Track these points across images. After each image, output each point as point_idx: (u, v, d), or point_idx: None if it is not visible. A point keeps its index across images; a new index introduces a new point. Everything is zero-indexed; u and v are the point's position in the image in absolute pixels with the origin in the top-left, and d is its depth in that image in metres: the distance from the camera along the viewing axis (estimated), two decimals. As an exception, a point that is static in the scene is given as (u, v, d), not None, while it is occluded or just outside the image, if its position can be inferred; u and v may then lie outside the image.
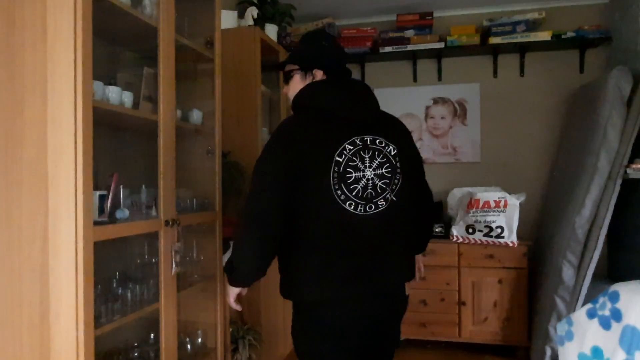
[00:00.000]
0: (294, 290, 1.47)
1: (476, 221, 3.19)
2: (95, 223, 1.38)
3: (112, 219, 1.55)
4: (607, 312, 1.75)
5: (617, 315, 1.70)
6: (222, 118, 2.17)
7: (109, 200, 1.56)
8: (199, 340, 2.13)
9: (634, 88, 2.81)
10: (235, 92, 2.69)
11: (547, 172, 3.54)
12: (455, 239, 3.23)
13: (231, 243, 2.39)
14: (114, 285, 1.69)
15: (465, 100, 3.69)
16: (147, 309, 1.65)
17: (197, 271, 2.11)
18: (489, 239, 3.15)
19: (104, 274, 1.70)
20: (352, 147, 1.42)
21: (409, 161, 1.55)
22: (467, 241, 3.20)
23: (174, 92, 1.77)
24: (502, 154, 3.64)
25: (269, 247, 1.42)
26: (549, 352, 2.81)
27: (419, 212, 1.66)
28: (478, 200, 3.21)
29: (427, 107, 3.76)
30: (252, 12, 2.95)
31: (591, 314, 1.81)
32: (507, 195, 3.17)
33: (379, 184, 1.43)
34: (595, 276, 2.79)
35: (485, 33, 3.48)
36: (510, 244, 3.12)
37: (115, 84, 1.63)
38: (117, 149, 1.96)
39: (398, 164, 1.48)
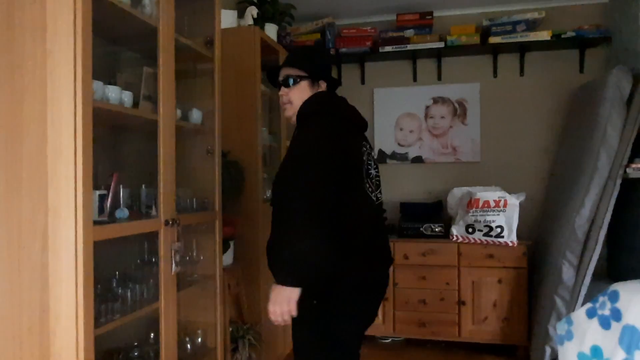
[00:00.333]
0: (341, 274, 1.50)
1: (476, 221, 3.19)
2: (95, 223, 1.38)
3: (112, 219, 1.55)
4: (606, 312, 1.75)
5: (616, 314, 1.70)
6: (222, 118, 2.17)
7: (109, 199, 1.56)
8: (199, 339, 2.13)
9: (633, 88, 2.81)
10: (235, 91, 2.69)
11: (547, 172, 3.55)
12: (455, 238, 3.23)
13: (231, 243, 2.40)
14: (114, 284, 1.69)
15: (465, 100, 3.69)
16: (147, 309, 1.66)
17: (197, 271, 2.11)
18: (489, 239, 3.15)
19: (104, 274, 1.70)
20: (364, 149, 1.67)
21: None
22: (466, 241, 3.20)
23: (173, 92, 1.77)
24: (502, 153, 3.64)
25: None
26: (548, 351, 2.81)
27: None
28: (478, 199, 3.21)
29: (427, 107, 3.76)
30: (252, 11, 2.95)
31: (591, 314, 1.81)
32: (506, 194, 3.17)
33: (377, 180, 1.70)
34: (594, 276, 2.80)
35: (485, 33, 3.48)
36: (510, 244, 3.12)
37: (115, 84, 1.63)
38: (117, 149, 1.96)
39: (375, 164, 1.73)
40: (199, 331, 2.13)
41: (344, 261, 1.49)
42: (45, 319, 1.32)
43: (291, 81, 1.68)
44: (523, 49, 3.50)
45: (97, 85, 1.47)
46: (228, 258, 2.37)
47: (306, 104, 1.64)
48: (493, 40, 3.40)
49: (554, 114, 3.55)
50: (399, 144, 3.80)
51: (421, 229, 3.33)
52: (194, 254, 2.08)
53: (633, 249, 2.83)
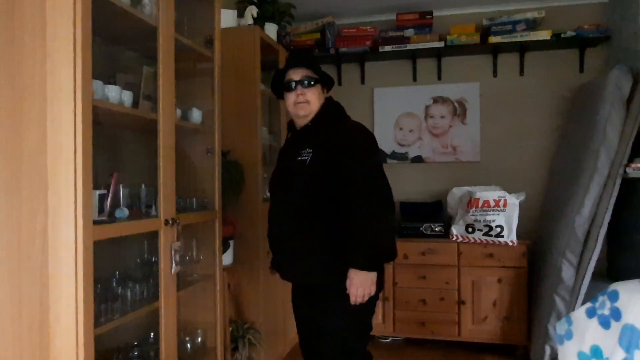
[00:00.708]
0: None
1: (476, 220, 3.19)
2: (95, 222, 1.38)
3: (112, 218, 1.55)
4: (606, 311, 1.75)
5: (616, 314, 1.70)
6: (221, 117, 2.17)
7: (109, 199, 1.56)
8: (199, 339, 2.13)
9: (633, 87, 2.81)
10: (235, 91, 2.68)
11: (547, 171, 3.55)
12: (454, 238, 3.23)
13: (231, 242, 2.40)
14: (114, 284, 1.69)
15: (465, 100, 3.69)
16: (146, 308, 1.66)
17: (197, 270, 2.11)
18: (489, 238, 3.15)
19: (104, 273, 1.70)
20: None
21: None
22: (466, 240, 3.20)
23: (173, 91, 1.77)
24: (501, 153, 3.64)
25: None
26: (548, 351, 2.82)
27: None
28: (478, 199, 3.21)
29: (427, 107, 3.76)
30: (252, 11, 2.95)
31: (591, 313, 1.81)
32: (506, 194, 3.17)
33: None
34: (594, 275, 2.80)
35: (485, 32, 3.48)
36: (510, 243, 3.12)
37: (114, 83, 1.63)
38: (116, 148, 1.96)
39: None
40: (199, 331, 2.14)
41: None
42: (45, 319, 1.32)
43: (311, 82, 1.79)
44: (523, 48, 3.50)
45: (97, 84, 1.47)
46: (228, 258, 2.37)
47: (329, 107, 1.83)
48: (493, 39, 3.40)
49: (554, 113, 3.55)
50: (398, 144, 3.80)
51: (421, 228, 3.33)
52: (194, 254, 2.08)
53: (633, 248, 2.83)
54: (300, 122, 1.85)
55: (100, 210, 1.52)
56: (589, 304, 1.85)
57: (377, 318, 3.31)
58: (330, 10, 3.66)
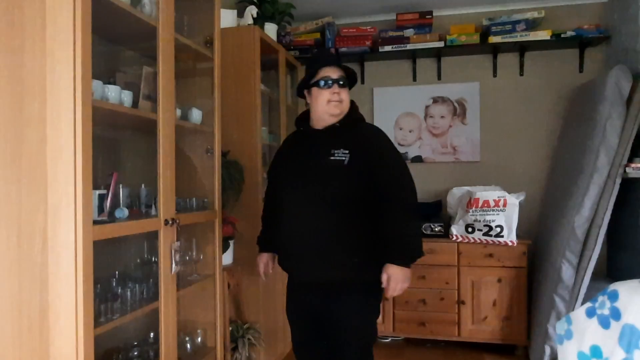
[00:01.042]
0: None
1: (476, 220, 3.19)
2: (95, 222, 1.38)
3: (112, 218, 1.55)
4: (606, 311, 1.75)
5: (616, 314, 1.70)
6: (221, 117, 2.17)
7: (109, 199, 1.56)
8: (199, 339, 2.13)
9: (633, 87, 2.81)
10: (235, 91, 2.68)
11: (547, 171, 3.55)
12: (454, 238, 3.23)
13: (231, 242, 2.40)
14: (114, 284, 1.69)
15: (464, 100, 3.69)
16: (146, 308, 1.65)
17: (197, 270, 2.11)
18: (489, 238, 3.15)
19: (104, 273, 1.70)
20: None
21: None
22: (466, 240, 3.20)
23: (173, 91, 1.77)
24: (501, 153, 3.64)
25: None
26: (548, 351, 2.82)
27: None
28: (477, 199, 3.21)
29: (427, 106, 3.76)
30: (252, 11, 2.94)
31: (590, 313, 1.81)
32: (506, 194, 3.17)
33: None
34: (594, 275, 2.80)
35: (485, 32, 3.48)
36: (510, 243, 3.12)
37: (114, 83, 1.63)
38: (116, 148, 1.96)
39: None
40: (199, 330, 2.14)
41: None
42: (45, 319, 1.32)
43: (346, 82, 1.83)
44: (523, 48, 3.50)
45: (97, 84, 1.47)
46: (228, 257, 2.37)
47: (356, 110, 1.90)
48: (493, 39, 3.40)
49: (554, 113, 3.55)
50: (398, 144, 3.80)
51: (421, 228, 3.33)
52: (194, 254, 2.07)
53: (632, 248, 2.83)
54: (327, 121, 1.83)
55: (100, 210, 1.52)
56: (588, 304, 1.85)
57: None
58: (330, 10, 3.66)
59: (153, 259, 1.85)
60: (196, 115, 2.05)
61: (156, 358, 1.77)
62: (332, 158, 1.75)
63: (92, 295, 1.35)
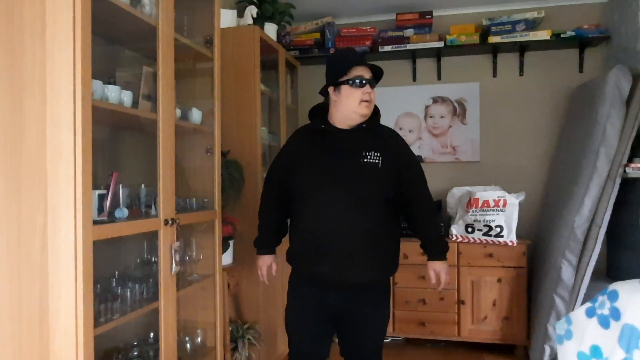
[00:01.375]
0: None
1: (475, 220, 3.19)
2: (95, 222, 1.38)
3: (112, 218, 1.55)
4: (606, 311, 1.75)
5: (616, 314, 1.70)
6: (221, 117, 2.17)
7: (109, 199, 1.56)
8: (199, 339, 2.13)
9: (633, 87, 2.81)
10: (235, 91, 2.68)
11: (547, 171, 3.55)
12: (454, 238, 3.23)
13: (231, 242, 2.39)
14: (114, 284, 1.69)
15: (464, 100, 3.69)
16: (146, 308, 1.65)
17: (197, 270, 2.11)
18: (489, 238, 3.15)
19: (104, 273, 1.70)
20: None
21: None
22: (466, 240, 3.20)
23: (173, 91, 1.77)
24: (501, 153, 3.64)
25: None
26: (548, 350, 2.82)
27: None
28: (477, 199, 3.21)
29: (427, 107, 3.76)
30: (252, 11, 2.94)
31: (590, 313, 1.81)
32: (506, 194, 3.17)
33: None
34: (594, 275, 2.80)
35: (485, 32, 3.48)
36: (510, 243, 3.12)
37: (114, 83, 1.63)
38: (116, 148, 1.96)
39: None
40: (199, 331, 2.13)
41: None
42: (45, 319, 1.32)
43: (374, 84, 1.84)
44: (522, 48, 3.50)
45: (97, 84, 1.47)
46: (228, 257, 2.37)
47: (378, 111, 1.93)
48: (492, 39, 3.40)
49: (554, 113, 3.55)
50: (398, 144, 3.80)
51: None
52: (194, 254, 2.07)
53: (632, 248, 2.83)
54: (355, 121, 1.81)
55: (100, 210, 1.52)
56: (588, 304, 1.85)
57: (377, 318, 3.31)
58: (329, 10, 3.66)
59: (153, 259, 1.85)
60: (196, 115, 2.05)
61: (156, 358, 1.77)
62: (365, 160, 1.76)
63: (92, 295, 1.35)
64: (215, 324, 2.14)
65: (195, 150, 2.14)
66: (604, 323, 1.74)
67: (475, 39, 3.45)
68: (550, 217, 3.16)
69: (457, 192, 3.42)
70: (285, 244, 1.97)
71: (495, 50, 3.53)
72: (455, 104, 3.71)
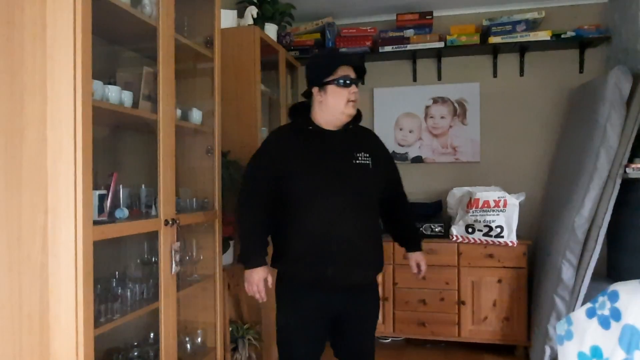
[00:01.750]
0: None
1: (476, 221, 3.19)
2: (95, 222, 1.38)
3: (112, 219, 1.55)
4: (606, 312, 1.74)
5: (616, 314, 1.70)
6: (221, 117, 2.17)
7: (109, 199, 1.56)
8: (199, 339, 2.13)
9: (633, 87, 2.81)
10: (235, 91, 2.68)
11: (547, 172, 3.55)
12: (454, 238, 3.23)
13: (231, 242, 2.40)
14: (114, 284, 1.69)
15: (465, 100, 3.69)
16: (146, 309, 1.65)
17: (197, 270, 2.11)
18: (489, 239, 3.15)
19: (104, 273, 1.70)
20: None
21: None
22: (466, 241, 3.20)
23: (173, 92, 1.77)
24: (501, 153, 3.64)
25: None
26: (548, 351, 2.82)
27: None
28: (478, 199, 3.21)
29: (427, 107, 3.76)
30: (252, 11, 2.95)
31: (590, 314, 1.81)
32: (506, 194, 3.17)
33: None
34: (594, 276, 2.80)
35: (485, 32, 3.48)
36: (510, 244, 3.12)
37: (114, 83, 1.63)
38: (116, 149, 1.96)
39: None
40: (199, 331, 2.13)
41: None
42: (45, 319, 1.32)
43: (359, 84, 1.83)
44: (523, 48, 3.50)
45: (97, 85, 1.47)
46: (228, 258, 2.37)
47: (360, 111, 1.88)
48: (493, 40, 3.40)
49: (554, 113, 3.55)
50: (398, 144, 3.80)
51: (421, 228, 3.32)
52: (194, 254, 2.07)
53: (633, 249, 2.83)
54: (341, 122, 1.80)
55: (100, 210, 1.51)
56: (589, 305, 1.85)
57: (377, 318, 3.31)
58: (330, 11, 3.66)
59: (153, 259, 1.85)
60: (196, 115, 2.05)
61: (156, 358, 1.77)
62: (357, 162, 1.77)
63: (92, 296, 1.35)
64: (215, 324, 2.14)
65: (195, 151, 2.14)
66: (605, 324, 1.74)
67: (476, 39, 3.45)
68: (551, 218, 3.15)
69: (457, 192, 3.42)
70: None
71: (496, 50, 3.53)
72: (456, 105, 3.71)
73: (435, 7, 3.60)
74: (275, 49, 3.03)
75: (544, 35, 3.32)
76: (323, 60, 1.84)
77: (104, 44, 1.83)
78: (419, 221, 3.35)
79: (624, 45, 3.12)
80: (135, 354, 1.83)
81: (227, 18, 2.72)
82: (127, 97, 1.61)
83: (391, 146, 3.80)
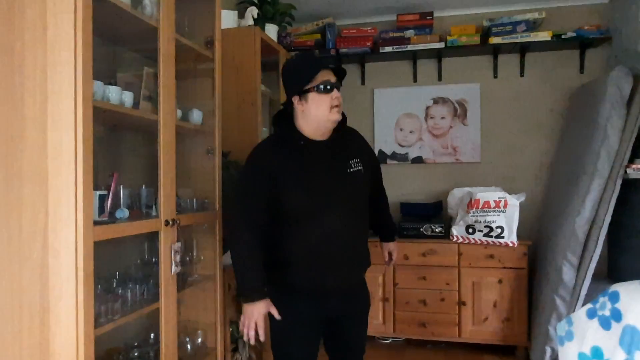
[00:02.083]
0: None
1: (476, 221, 3.18)
2: (96, 223, 1.38)
3: (112, 219, 1.55)
4: (607, 312, 1.74)
5: (617, 315, 1.70)
6: (222, 118, 2.17)
7: (109, 199, 1.56)
8: (199, 340, 2.13)
9: (634, 88, 2.81)
10: (235, 91, 2.69)
11: (547, 172, 3.55)
12: (455, 239, 3.23)
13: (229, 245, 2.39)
14: (114, 284, 1.69)
15: (465, 100, 3.69)
16: (147, 309, 1.66)
17: (197, 271, 2.11)
18: (489, 239, 3.15)
19: (104, 274, 1.70)
20: None
21: None
22: (467, 241, 3.20)
23: (174, 92, 1.77)
24: (502, 153, 3.64)
25: None
26: (548, 352, 2.81)
27: None
28: (478, 200, 3.21)
29: (428, 107, 3.76)
30: (252, 12, 2.95)
31: (591, 314, 1.81)
32: (507, 195, 3.16)
33: None
34: (595, 276, 2.79)
35: (486, 33, 3.48)
36: (510, 244, 3.12)
37: (115, 84, 1.63)
38: (117, 149, 1.96)
39: None
40: (199, 331, 2.13)
41: None
42: (45, 319, 1.32)
43: (340, 87, 1.70)
44: (523, 49, 3.50)
45: (98, 85, 1.47)
46: (228, 258, 2.37)
47: (344, 114, 1.79)
48: (493, 40, 3.40)
49: (554, 114, 3.55)
50: (399, 145, 3.80)
51: (421, 229, 3.33)
52: (194, 254, 2.08)
53: (633, 249, 2.82)
54: (328, 129, 1.70)
55: (101, 210, 1.52)
56: (589, 305, 1.85)
57: (378, 319, 3.31)
58: (330, 11, 3.66)
59: (153, 259, 1.85)
60: (197, 115, 2.05)
61: (156, 359, 1.77)
62: (351, 170, 1.73)
63: (93, 296, 1.35)
64: (215, 324, 2.14)
65: (196, 151, 2.14)
66: (605, 324, 1.74)
67: (476, 39, 3.45)
68: (551, 218, 3.15)
69: (457, 193, 3.42)
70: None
71: (496, 51, 3.53)
72: (456, 105, 3.71)
73: (435, 8, 3.60)
74: (275, 49, 3.03)
75: (544, 36, 3.32)
76: (300, 66, 1.68)
77: (104, 44, 1.83)
78: (419, 222, 3.37)
79: (624, 46, 3.12)
80: (136, 354, 1.84)
81: (227, 18, 2.72)
82: (127, 97, 1.61)
83: (391, 147, 3.80)
